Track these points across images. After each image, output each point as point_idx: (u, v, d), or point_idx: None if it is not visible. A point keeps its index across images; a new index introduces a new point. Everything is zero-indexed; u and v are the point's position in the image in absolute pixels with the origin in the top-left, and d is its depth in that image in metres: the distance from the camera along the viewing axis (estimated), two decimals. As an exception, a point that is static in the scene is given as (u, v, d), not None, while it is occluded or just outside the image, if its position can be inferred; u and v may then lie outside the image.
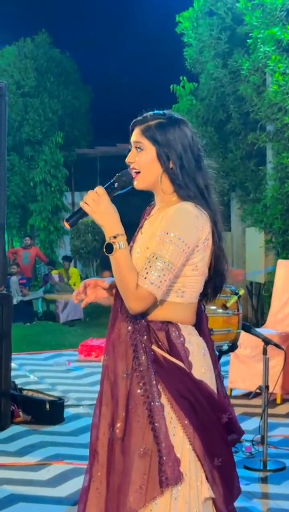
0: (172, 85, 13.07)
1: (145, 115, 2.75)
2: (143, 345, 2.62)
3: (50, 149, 19.93)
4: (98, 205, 2.59)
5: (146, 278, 2.54)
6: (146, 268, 2.55)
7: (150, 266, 2.54)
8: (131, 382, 2.62)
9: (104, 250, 2.58)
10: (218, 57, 11.52)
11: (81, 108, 21.43)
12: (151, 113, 2.75)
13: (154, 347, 2.63)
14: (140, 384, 2.60)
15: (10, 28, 18.99)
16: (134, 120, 2.75)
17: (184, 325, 2.67)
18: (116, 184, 2.66)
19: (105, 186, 2.64)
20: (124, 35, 23.07)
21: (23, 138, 20.06)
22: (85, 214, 2.63)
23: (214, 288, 2.77)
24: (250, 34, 10.50)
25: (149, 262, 2.55)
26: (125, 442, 2.59)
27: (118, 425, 2.61)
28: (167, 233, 2.56)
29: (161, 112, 2.74)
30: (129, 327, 2.66)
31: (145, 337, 2.63)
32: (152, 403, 2.57)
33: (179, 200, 2.67)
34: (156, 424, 2.56)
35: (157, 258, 2.55)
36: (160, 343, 2.64)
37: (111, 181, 2.67)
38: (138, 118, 2.75)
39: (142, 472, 2.54)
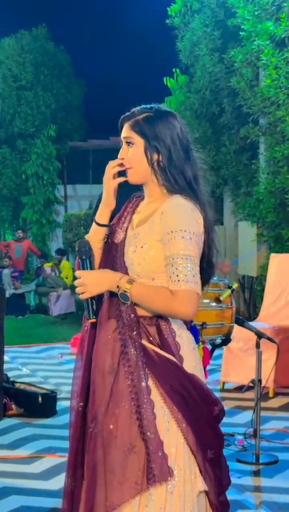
0: (165, 78, 13.05)
1: (132, 110, 2.75)
2: (132, 340, 2.62)
3: (42, 142, 19.89)
4: (87, 284, 2.65)
5: (178, 281, 2.55)
6: (173, 273, 2.56)
7: (176, 269, 2.56)
8: (118, 378, 2.60)
9: (122, 301, 2.61)
10: (214, 52, 11.49)
11: (74, 102, 21.39)
12: (138, 108, 2.75)
13: (144, 342, 2.62)
14: (128, 379, 2.59)
15: (8, 19, 18.95)
16: (122, 116, 2.76)
17: (174, 319, 2.67)
18: (84, 257, 2.74)
19: (80, 267, 2.73)
20: (118, 29, 23.05)
21: (15, 131, 20.02)
22: (91, 300, 2.68)
23: (204, 279, 2.75)
24: (242, 27, 10.48)
25: (172, 266, 2.57)
26: (112, 438, 2.58)
27: (112, 420, 2.59)
28: (172, 232, 2.58)
29: (148, 106, 2.75)
30: (118, 323, 2.65)
31: (134, 333, 2.62)
32: (140, 399, 2.56)
33: (167, 193, 2.68)
34: (144, 421, 2.55)
35: (177, 258, 2.56)
36: (151, 338, 2.63)
37: (80, 259, 2.74)
38: (126, 113, 2.75)
39: (128, 469, 2.53)
